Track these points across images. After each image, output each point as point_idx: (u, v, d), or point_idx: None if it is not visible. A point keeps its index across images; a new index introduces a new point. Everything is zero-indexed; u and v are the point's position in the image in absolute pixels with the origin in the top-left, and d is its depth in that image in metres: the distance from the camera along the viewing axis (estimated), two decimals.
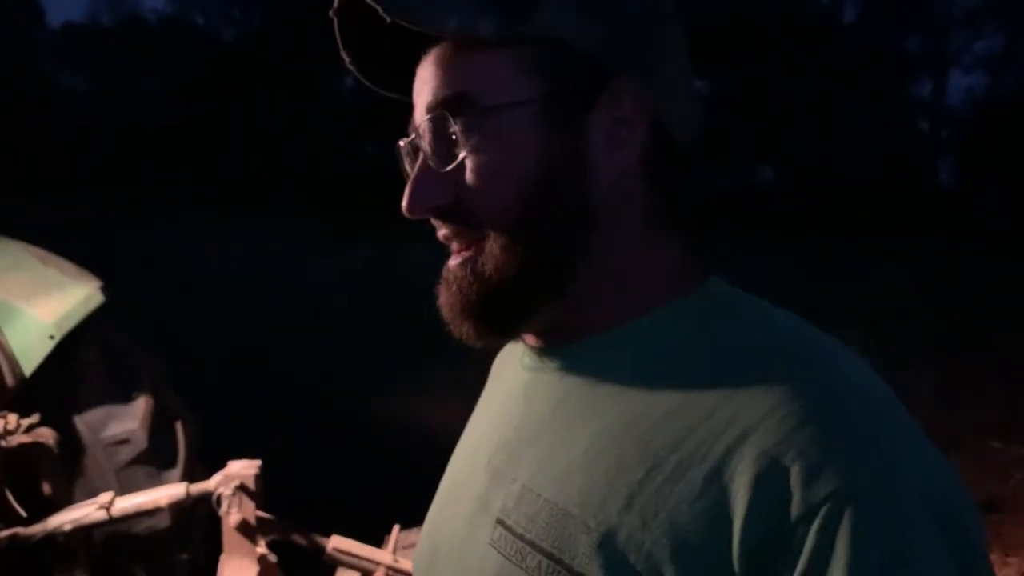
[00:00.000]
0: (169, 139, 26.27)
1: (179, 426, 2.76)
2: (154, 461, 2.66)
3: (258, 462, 2.04)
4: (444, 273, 0.67)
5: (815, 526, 0.49)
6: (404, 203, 0.65)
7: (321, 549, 2.05)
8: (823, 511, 0.49)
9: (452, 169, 0.63)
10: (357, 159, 26.29)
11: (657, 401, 0.60)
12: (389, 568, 2.06)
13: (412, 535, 3.44)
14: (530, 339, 0.72)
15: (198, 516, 2.53)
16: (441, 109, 0.63)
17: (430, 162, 0.65)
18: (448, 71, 0.63)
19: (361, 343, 7.78)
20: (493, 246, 0.63)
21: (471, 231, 0.64)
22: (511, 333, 0.70)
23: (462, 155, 0.63)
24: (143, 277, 8.50)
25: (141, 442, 2.62)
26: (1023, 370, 7.32)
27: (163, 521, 2.56)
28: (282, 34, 27.47)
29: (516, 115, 0.62)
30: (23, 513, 2.17)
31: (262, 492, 2.03)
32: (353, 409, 5.71)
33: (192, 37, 29.47)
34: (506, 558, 0.62)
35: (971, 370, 7.43)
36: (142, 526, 2.53)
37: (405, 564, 2.13)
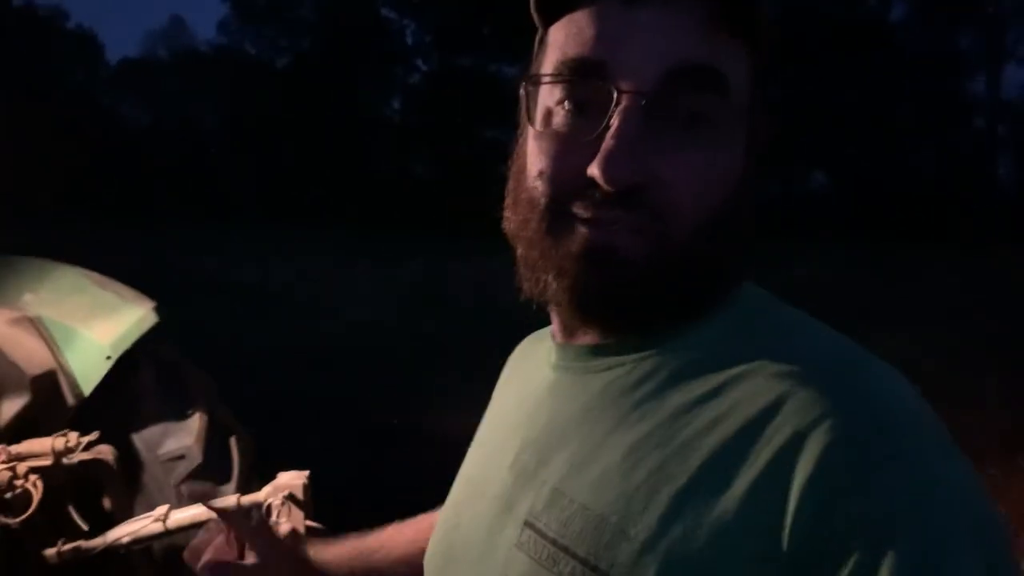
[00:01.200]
0: (226, 164, 26.96)
1: (233, 441, 2.83)
2: (210, 476, 2.74)
3: (306, 473, 2.09)
4: (585, 248, 0.60)
5: (859, 542, 0.49)
6: (605, 168, 0.57)
7: None
8: (869, 529, 0.49)
9: (666, 146, 0.58)
10: (406, 178, 26.61)
11: (699, 408, 0.58)
12: None
13: None
14: (558, 336, 0.70)
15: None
16: (691, 77, 0.57)
17: (644, 125, 0.57)
18: (703, 38, 0.57)
19: (411, 357, 7.87)
20: (675, 238, 0.59)
21: (645, 215, 0.59)
22: (646, 323, 0.64)
23: (689, 139, 0.58)
24: (203, 298, 8.72)
25: (197, 457, 2.70)
26: None
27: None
28: (330, 60, 28.04)
29: (743, 120, 0.60)
30: (85, 527, 2.26)
31: (310, 502, 2.08)
32: (402, 424, 5.78)
33: (244, 66, 30.21)
34: (535, 561, 0.60)
35: None
36: (192, 539, 2.60)
37: None
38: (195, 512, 2.11)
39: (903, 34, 27.30)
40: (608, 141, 0.57)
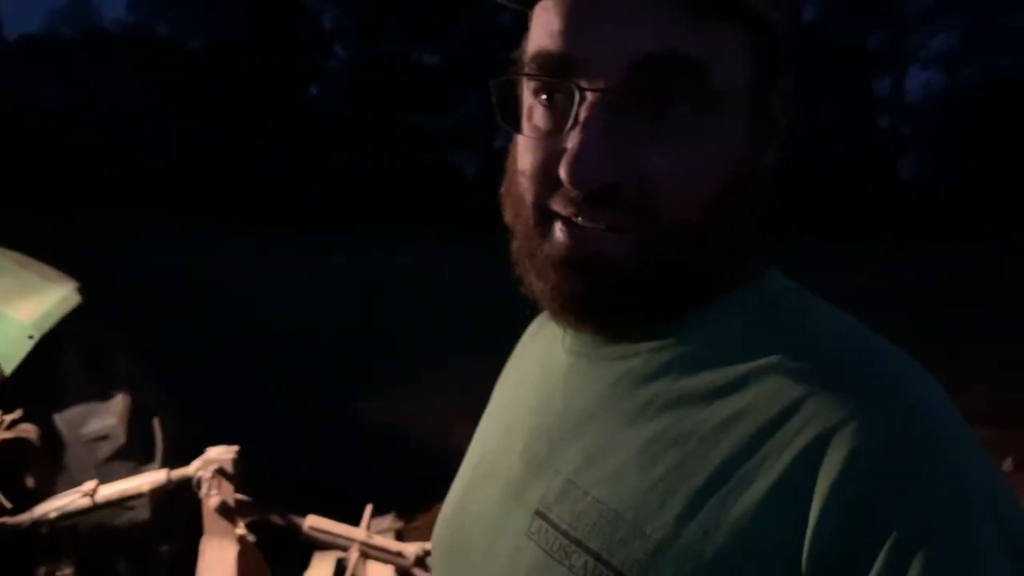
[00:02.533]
0: (140, 149, 26.10)
1: (156, 422, 2.85)
2: (133, 456, 2.75)
3: (236, 447, 2.15)
4: (562, 253, 0.58)
5: (887, 549, 0.48)
6: (571, 170, 0.54)
7: (298, 528, 2.16)
8: (897, 535, 0.48)
9: (643, 141, 0.54)
10: (324, 168, 26.26)
11: (718, 403, 0.56)
12: (363, 544, 2.18)
13: (385, 521, 3.55)
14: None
15: (178, 508, 2.63)
16: (659, 67, 0.53)
17: (612, 122, 0.54)
18: (670, 20, 0.53)
19: (337, 346, 7.87)
20: (663, 238, 0.56)
21: (628, 215, 0.56)
22: (639, 325, 0.61)
23: (667, 131, 0.54)
24: (122, 284, 8.51)
25: (120, 437, 2.71)
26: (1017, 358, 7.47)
27: (143, 513, 2.65)
28: (246, 43, 27.41)
29: (733, 101, 0.56)
30: (7, 504, 2.26)
31: (240, 476, 2.14)
32: (327, 407, 5.82)
33: (157, 47, 29.26)
34: (546, 552, 0.59)
35: (959, 360, 7.65)
36: (123, 519, 2.62)
37: (379, 541, 2.25)
38: (124, 487, 2.15)
39: (814, 33, 28.28)
40: (573, 141, 0.54)
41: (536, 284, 0.61)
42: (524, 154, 0.60)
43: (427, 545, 2.74)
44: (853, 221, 21.61)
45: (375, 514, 2.71)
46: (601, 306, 0.59)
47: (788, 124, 0.61)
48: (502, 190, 0.66)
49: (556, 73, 0.56)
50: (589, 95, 0.54)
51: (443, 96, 26.96)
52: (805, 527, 0.50)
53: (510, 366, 0.82)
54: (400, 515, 3.80)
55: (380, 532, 2.92)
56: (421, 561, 2.25)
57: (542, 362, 0.72)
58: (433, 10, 26.48)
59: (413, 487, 4.78)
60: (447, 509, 0.75)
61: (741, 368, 0.57)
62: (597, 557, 0.55)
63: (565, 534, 0.58)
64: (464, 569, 0.68)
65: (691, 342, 0.60)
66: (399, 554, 2.23)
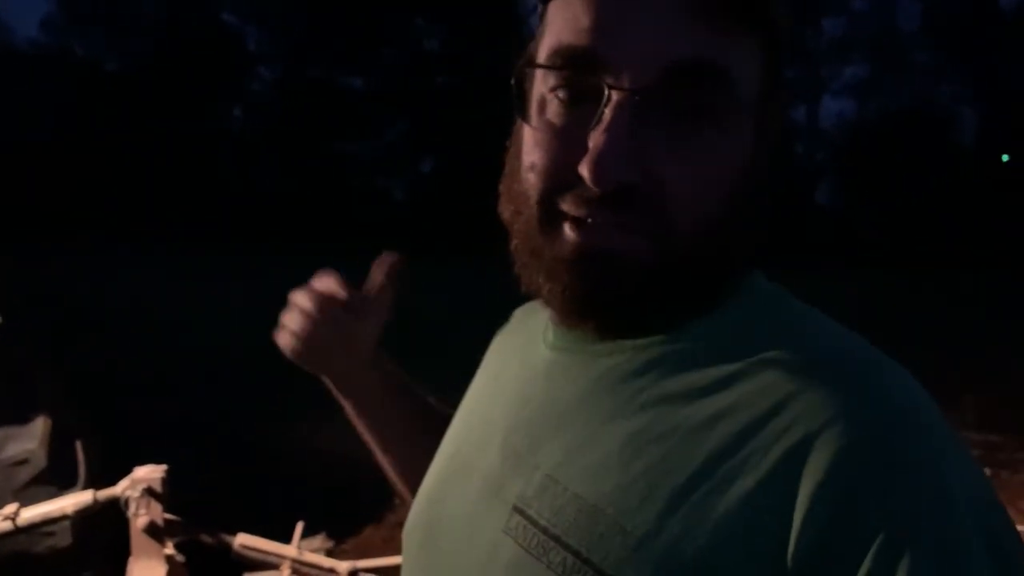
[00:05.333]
0: (55, 172, 25.22)
1: (79, 445, 2.79)
2: (54, 480, 2.69)
3: (164, 466, 2.13)
4: (574, 253, 0.57)
5: (873, 550, 0.48)
6: (595, 169, 0.54)
7: (228, 547, 2.14)
8: (881, 536, 0.48)
9: (661, 144, 0.55)
10: (249, 190, 25.86)
11: (703, 401, 0.56)
12: (295, 561, 2.18)
13: (315, 542, 3.53)
14: (558, 319, 0.67)
15: (100, 534, 2.57)
16: (688, 73, 0.54)
17: (636, 123, 0.54)
18: (700, 26, 0.54)
19: (262, 367, 7.75)
20: (672, 240, 0.56)
21: (640, 217, 0.56)
22: (641, 327, 0.61)
23: (686, 136, 0.55)
24: (41, 307, 8.23)
25: (40, 461, 2.65)
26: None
27: (64, 539, 2.59)
28: (166, 64, 26.88)
29: (748, 111, 0.56)
30: None
31: (168, 495, 2.11)
32: (252, 429, 5.74)
33: (74, 69, 28.43)
34: (524, 549, 0.58)
35: None
36: (43, 545, 2.55)
37: (310, 557, 2.25)
38: (48, 509, 2.10)
39: None
40: (598, 139, 0.54)
41: (544, 284, 0.60)
42: (534, 149, 0.59)
43: (359, 563, 2.74)
44: (772, 245, 22.29)
45: (304, 536, 2.70)
46: (609, 305, 0.58)
47: (778, 129, 0.62)
48: (500, 187, 0.65)
49: (582, 70, 0.55)
50: (616, 94, 0.54)
51: (370, 121, 26.90)
52: (790, 526, 0.49)
53: (488, 359, 0.81)
54: (333, 535, 3.78)
55: (311, 550, 2.90)
56: None
57: (522, 356, 0.71)
58: (359, 34, 26.46)
59: (341, 509, 4.76)
60: (420, 501, 0.73)
61: (727, 367, 0.57)
62: (576, 554, 0.54)
63: (544, 530, 0.57)
64: (438, 564, 0.66)
65: (678, 341, 0.60)
66: (331, 571, 2.23)
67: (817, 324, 0.60)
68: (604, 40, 0.54)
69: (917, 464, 0.50)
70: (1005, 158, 25.28)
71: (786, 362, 0.55)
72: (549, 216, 0.58)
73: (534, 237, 0.60)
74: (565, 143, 0.56)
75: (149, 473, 2.09)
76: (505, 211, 0.64)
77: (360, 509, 4.80)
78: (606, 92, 0.54)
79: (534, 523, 0.58)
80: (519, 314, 0.80)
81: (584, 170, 0.54)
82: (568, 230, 0.57)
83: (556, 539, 0.56)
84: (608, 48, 0.54)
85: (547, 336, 0.68)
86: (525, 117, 0.60)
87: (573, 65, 0.56)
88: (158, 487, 2.09)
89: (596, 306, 0.58)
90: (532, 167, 0.59)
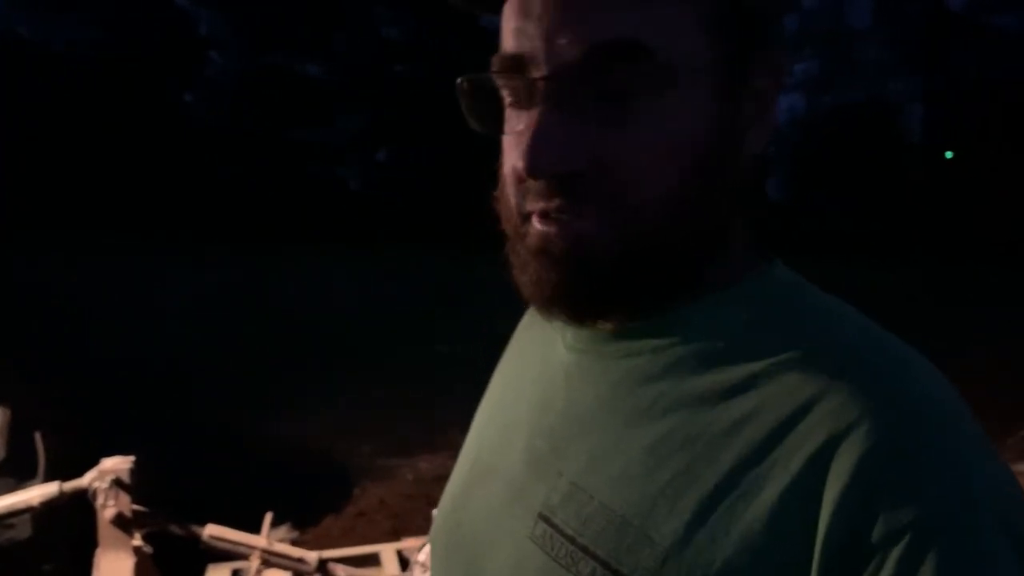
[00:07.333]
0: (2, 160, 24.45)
1: (38, 436, 2.75)
2: (13, 472, 2.65)
3: (132, 457, 2.11)
4: (539, 243, 0.59)
5: (895, 553, 0.48)
6: (526, 160, 0.56)
7: (197, 538, 2.14)
8: (906, 538, 0.48)
9: (598, 128, 0.55)
10: (200, 176, 25.39)
11: (726, 405, 0.56)
12: (264, 551, 2.18)
13: (280, 532, 3.53)
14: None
15: (61, 525, 2.54)
16: (606, 54, 0.54)
17: (565, 112, 0.55)
18: (612, 12, 0.54)
19: (224, 358, 7.66)
20: (625, 221, 0.56)
21: (590, 201, 0.56)
22: (613, 315, 0.62)
23: (621, 116, 0.55)
24: None
25: None
26: None
27: (24, 531, 2.56)
28: (116, 47, 26.22)
29: (693, 79, 0.55)
30: None
31: (137, 486, 2.11)
32: (213, 421, 5.69)
33: (18, 50, 27.59)
34: (552, 558, 0.58)
35: None
36: (3, 537, 2.52)
37: (280, 548, 2.26)
38: (13, 500, 2.07)
39: None
40: (527, 131, 0.56)
41: (519, 278, 0.62)
42: (504, 158, 0.62)
43: (327, 552, 2.75)
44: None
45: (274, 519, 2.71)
46: (581, 292, 0.59)
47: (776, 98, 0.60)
48: (495, 196, 0.66)
49: (517, 71, 0.57)
50: (540, 85, 0.56)
51: (326, 108, 26.55)
52: (816, 534, 0.50)
53: (507, 357, 0.80)
54: (295, 526, 3.78)
55: (280, 540, 2.90)
56: (323, 567, 2.27)
57: (542, 356, 0.71)
58: (315, 20, 26.10)
59: (301, 500, 4.74)
60: (445, 504, 0.73)
61: (747, 368, 0.56)
62: (605, 565, 0.55)
63: (571, 540, 0.57)
64: (466, 567, 0.67)
65: (695, 340, 0.59)
66: (300, 560, 2.25)
67: (839, 317, 0.60)
68: (526, 38, 0.56)
69: (942, 466, 0.50)
70: (949, 155, 25.95)
71: (808, 361, 0.55)
72: (523, 218, 0.60)
73: (513, 238, 0.62)
74: (518, 145, 0.58)
75: (117, 464, 2.08)
76: (501, 220, 0.65)
77: (319, 500, 4.80)
78: (530, 86, 0.56)
79: (561, 532, 0.58)
80: (535, 313, 0.77)
81: (518, 163, 0.56)
82: (534, 223, 0.59)
83: (584, 549, 0.56)
84: (533, 44, 0.56)
85: (565, 337, 0.68)
86: (482, 127, 0.62)
87: (510, 68, 0.58)
88: (126, 478, 2.08)
89: (563, 294, 0.59)
90: (505, 175, 0.62)
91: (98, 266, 13.39)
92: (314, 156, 27.05)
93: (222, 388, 6.61)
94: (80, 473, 2.17)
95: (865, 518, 0.49)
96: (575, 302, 0.59)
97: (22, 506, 2.07)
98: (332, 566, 2.28)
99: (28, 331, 7.05)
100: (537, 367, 0.71)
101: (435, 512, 0.76)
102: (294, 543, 3.49)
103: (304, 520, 4.34)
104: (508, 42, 0.58)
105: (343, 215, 21.48)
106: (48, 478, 2.63)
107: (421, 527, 3.10)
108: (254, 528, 2.58)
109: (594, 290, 0.58)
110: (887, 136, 27.20)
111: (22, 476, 2.67)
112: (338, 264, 15.43)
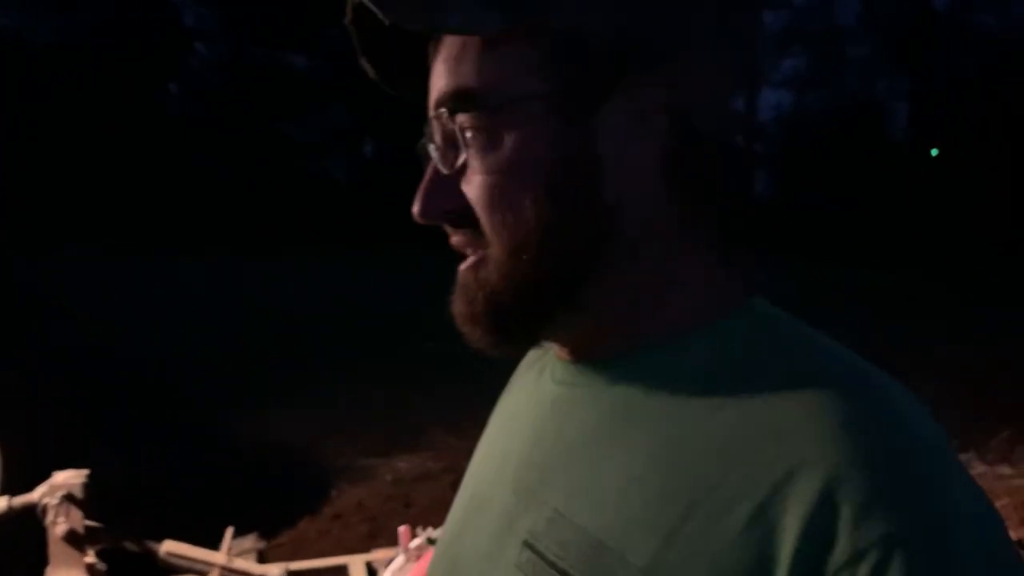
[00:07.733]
0: None
1: None
2: None
3: (86, 471, 2.04)
4: (458, 279, 0.64)
5: (862, 571, 0.48)
6: (415, 207, 0.63)
7: (154, 554, 2.07)
8: (872, 555, 0.48)
9: (458, 172, 0.61)
10: (185, 169, 25.19)
11: (699, 429, 0.57)
12: (224, 568, 2.12)
13: (247, 541, 3.45)
14: (561, 352, 0.69)
15: (10, 542, 2.47)
16: (443, 108, 0.60)
17: (438, 164, 0.62)
18: (454, 68, 0.60)
19: (194, 360, 7.57)
20: (499, 253, 0.60)
21: (479, 237, 0.61)
22: (526, 342, 0.68)
23: (464, 157, 0.60)
24: None
25: None
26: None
27: None
28: (98, 37, 25.96)
29: (522, 113, 0.58)
30: None
31: (90, 501, 2.03)
32: (184, 423, 5.61)
33: (3, 43, 27.28)
34: None
35: None
36: None
37: (239, 564, 2.19)
38: None
39: None
40: None
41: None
42: None
43: (291, 565, 2.68)
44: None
45: (236, 534, 2.63)
46: (488, 319, 0.63)
47: (683, 120, 0.60)
48: None
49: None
50: (426, 139, 0.63)
51: (313, 101, 26.41)
52: (782, 557, 0.50)
53: (506, 394, 0.83)
54: (262, 535, 3.70)
55: (242, 553, 2.83)
56: None
57: (534, 392, 0.74)
58: (302, 12, 25.91)
59: (276, 500, 4.68)
60: (443, 540, 0.76)
61: (723, 392, 0.58)
62: None
63: (553, 565, 0.59)
64: None
65: (678, 369, 0.61)
66: None
67: (817, 347, 0.61)
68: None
69: (912, 487, 0.50)
70: (934, 153, 26.08)
71: (780, 386, 0.56)
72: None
73: None
74: None
75: (69, 478, 2.00)
76: None
77: (295, 500, 4.73)
78: (422, 148, 0.64)
79: (543, 558, 0.60)
80: (535, 350, 0.80)
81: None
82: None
83: (563, 573, 0.58)
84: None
85: (554, 371, 0.71)
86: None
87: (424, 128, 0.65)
88: (79, 493, 2.01)
89: (473, 322, 0.63)
90: None
91: (89, 266, 13.27)
92: (300, 149, 26.93)
93: (199, 387, 6.53)
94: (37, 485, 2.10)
95: (832, 539, 0.49)
96: (486, 329, 0.63)
97: None
98: None
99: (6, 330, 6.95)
100: (531, 401, 0.74)
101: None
102: (263, 551, 3.43)
103: (280, 522, 4.28)
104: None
105: (330, 210, 21.34)
106: (2, 490, 2.56)
107: (396, 533, 3.04)
108: (223, 530, 2.51)
109: (497, 316, 0.62)
110: (873, 133, 27.30)
111: None
112: (322, 260, 15.35)
